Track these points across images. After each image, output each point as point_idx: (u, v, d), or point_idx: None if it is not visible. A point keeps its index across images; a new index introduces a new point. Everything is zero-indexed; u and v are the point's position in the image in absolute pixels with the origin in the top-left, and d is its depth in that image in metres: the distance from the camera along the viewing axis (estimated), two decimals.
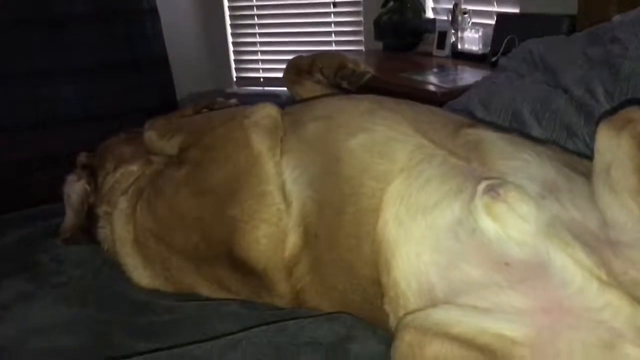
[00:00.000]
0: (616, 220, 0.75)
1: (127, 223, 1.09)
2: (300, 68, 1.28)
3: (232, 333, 0.88)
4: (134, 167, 1.16)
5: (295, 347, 0.85)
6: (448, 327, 0.72)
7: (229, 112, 1.09)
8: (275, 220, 0.94)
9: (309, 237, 0.92)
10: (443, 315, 0.74)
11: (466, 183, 0.79)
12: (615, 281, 0.69)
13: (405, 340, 0.74)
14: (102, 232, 1.15)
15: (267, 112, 1.02)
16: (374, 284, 0.84)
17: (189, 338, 0.89)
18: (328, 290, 0.93)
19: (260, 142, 0.97)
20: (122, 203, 1.11)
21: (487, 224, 0.75)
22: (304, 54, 1.32)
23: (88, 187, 1.16)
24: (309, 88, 1.29)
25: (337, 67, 1.25)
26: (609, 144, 0.79)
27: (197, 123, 1.10)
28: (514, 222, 0.74)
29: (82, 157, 1.21)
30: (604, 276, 0.70)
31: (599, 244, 0.73)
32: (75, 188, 1.17)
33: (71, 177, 1.19)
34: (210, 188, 0.98)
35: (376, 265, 0.83)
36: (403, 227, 0.81)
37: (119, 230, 1.10)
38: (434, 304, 0.76)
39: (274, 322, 0.90)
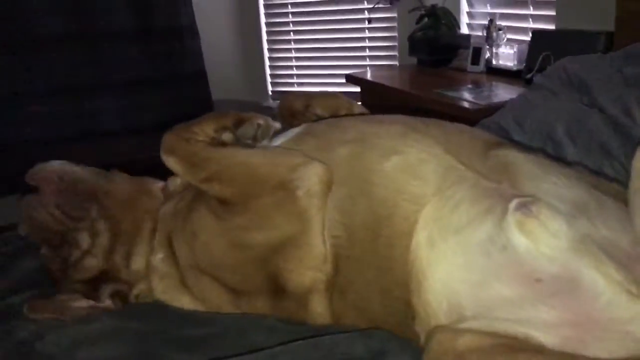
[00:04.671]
0: None
1: (170, 267, 1.08)
2: (293, 109, 1.21)
3: (270, 347, 0.91)
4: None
5: None
6: (479, 328, 0.75)
7: (274, 172, 0.97)
8: (320, 265, 0.93)
9: (340, 261, 0.93)
10: (474, 323, 0.76)
11: (497, 203, 0.81)
12: None
13: (436, 338, 0.76)
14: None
15: (316, 172, 0.94)
16: (406, 305, 0.86)
17: (228, 350, 0.92)
18: (362, 312, 0.94)
19: (314, 210, 0.94)
20: (159, 254, 1.09)
21: (519, 240, 0.76)
22: (297, 92, 1.20)
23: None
24: None
25: (334, 109, 1.19)
26: None
27: (236, 173, 0.99)
28: (545, 238, 0.75)
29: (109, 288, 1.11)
30: (634, 290, 0.71)
31: (629, 261, 0.74)
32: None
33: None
34: (251, 245, 0.97)
35: (407, 287, 0.85)
36: (435, 248, 0.82)
37: (165, 277, 1.09)
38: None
39: (310, 337, 0.92)
